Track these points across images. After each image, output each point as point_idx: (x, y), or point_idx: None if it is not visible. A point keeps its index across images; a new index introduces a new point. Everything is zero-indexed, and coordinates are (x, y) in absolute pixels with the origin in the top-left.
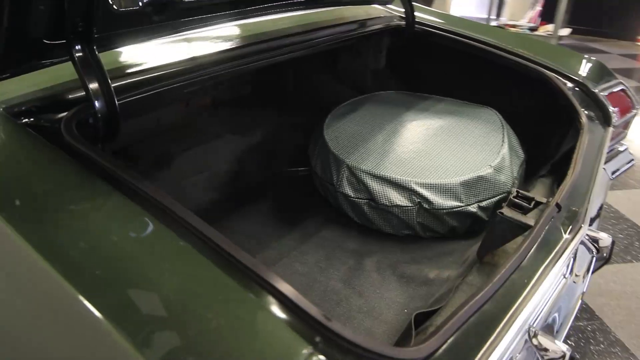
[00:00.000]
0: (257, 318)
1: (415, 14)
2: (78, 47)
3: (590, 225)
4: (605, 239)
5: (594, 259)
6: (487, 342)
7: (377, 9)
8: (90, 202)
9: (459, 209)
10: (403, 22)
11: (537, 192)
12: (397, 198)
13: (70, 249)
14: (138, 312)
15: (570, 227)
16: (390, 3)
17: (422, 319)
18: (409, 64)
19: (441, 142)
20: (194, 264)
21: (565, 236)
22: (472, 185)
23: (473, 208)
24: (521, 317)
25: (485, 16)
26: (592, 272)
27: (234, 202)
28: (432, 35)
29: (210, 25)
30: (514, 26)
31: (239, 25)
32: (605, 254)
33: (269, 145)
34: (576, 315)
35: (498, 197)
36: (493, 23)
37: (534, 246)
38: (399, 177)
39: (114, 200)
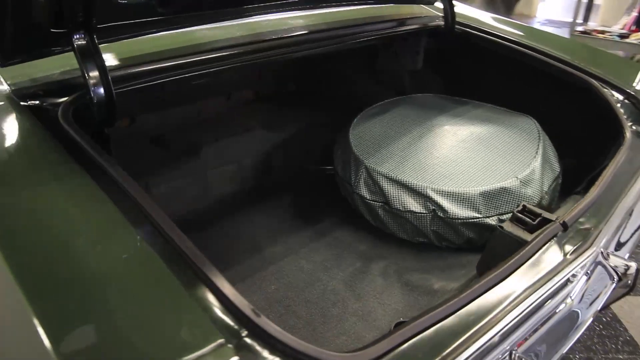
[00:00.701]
0: (183, 305)
1: (460, 12)
2: (78, 36)
3: (618, 249)
4: (629, 265)
5: (614, 286)
6: (437, 357)
7: (419, 8)
8: (54, 179)
9: (476, 220)
10: (442, 23)
11: (565, 209)
12: (411, 203)
13: (7, 215)
14: (53, 286)
15: (574, 248)
16: (432, 3)
17: None
18: (448, 66)
19: (469, 149)
20: (131, 247)
21: (565, 257)
22: (494, 197)
23: (492, 221)
24: (486, 336)
25: (571, 20)
26: (613, 301)
27: (256, 194)
28: (473, 37)
29: (218, 21)
30: (602, 32)
31: (276, 20)
32: (629, 282)
33: (299, 142)
34: (616, 347)
35: None
36: (579, 28)
37: (524, 264)
38: (415, 182)
39: (77, 182)
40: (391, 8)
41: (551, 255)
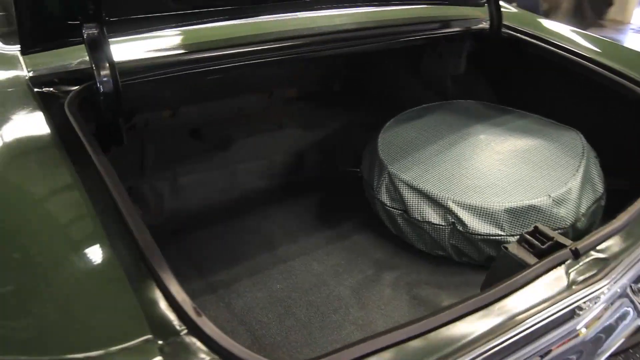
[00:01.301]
0: (124, 297)
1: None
2: (88, 28)
3: None
4: None
5: (636, 323)
6: None
7: (470, 10)
8: (36, 162)
9: (498, 237)
10: (488, 26)
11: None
12: (430, 214)
13: None
14: None
15: (584, 277)
16: (482, 5)
17: None
18: (495, 72)
19: (502, 162)
20: (87, 234)
21: (571, 287)
22: (521, 215)
23: (513, 239)
24: None
25: None
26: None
27: (282, 192)
28: (520, 42)
29: (235, 18)
30: None
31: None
32: None
33: (333, 142)
34: None
35: None
36: None
37: (519, 289)
38: (436, 192)
39: (56, 168)
40: (440, 9)
41: (555, 283)
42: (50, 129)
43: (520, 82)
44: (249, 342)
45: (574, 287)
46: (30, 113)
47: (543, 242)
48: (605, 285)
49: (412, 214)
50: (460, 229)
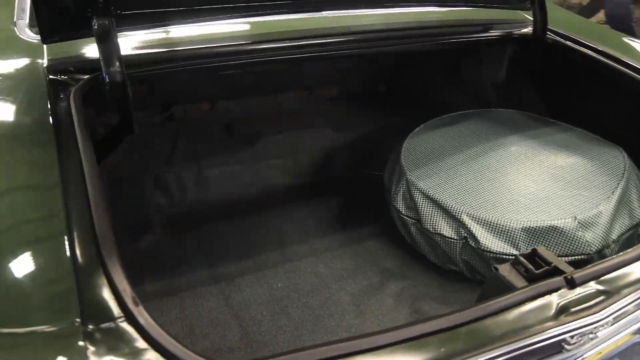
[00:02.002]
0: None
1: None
2: (97, 21)
3: None
4: None
5: None
6: None
7: (515, 14)
8: (22, 142)
9: (511, 257)
10: (531, 30)
11: None
12: (442, 226)
13: None
14: None
15: (575, 309)
16: (528, 9)
17: None
18: (540, 81)
19: (531, 177)
20: (45, 212)
21: (558, 318)
22: (540, 235)
23: None
24: None
25: None
26: None
27: (304, 191)
28: (567, 49)
29: (251, 15)
30: None
31: (357, 16)
32: None
33: (364, 145)
34: None
35: (575, 257)
36: None
37: (496, 315)
38: (451, 203)
39: (41, 147)
40: (482, 12)
41: (540, 311)
42: (51, 114)
43: (567, 92)
44: (238, 337)
45: (562, 317)
46: (38, 98)
47: (539, 266)
48: (601, 321)
49: (424, 224)
50: (473, 244)
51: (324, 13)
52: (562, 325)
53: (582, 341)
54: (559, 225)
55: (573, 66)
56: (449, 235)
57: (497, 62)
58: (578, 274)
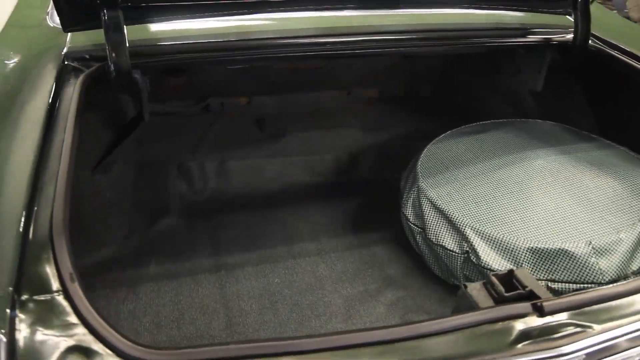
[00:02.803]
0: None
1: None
2: (106, 12)
3: None
4: None
5: None
6: None
7: (555, 18)
8: (13, 120)
9: None
10: (571, 37)
11: None
12: (445, 238)
13: None
14: None
15: (539, 339)
16: (568, 14)
17: None
18: (581, 92)
19: (550, 195)
20: (13, 184)
21: (513, 346)
22: (547, 258)
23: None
24: None
25: None
26: None
27: (324, 189)
28: (611, 59)
29: (267, 12)
30: None
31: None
32: None
33: (392, 149)
34: None
35: (585, 286)
36: None
37: (445, 333)
38: (457, 215)
39: (29, 128)
40: (523, 16)
41: (495, 337)
42: (53, 95)
43: (614, 106)
44: (223, 326)
45: (519, 346)
46: (48, 80)
47: (512, 288)
48: (568, 356)
49: (428, 234)
50: (474, 259)
51: (362, 12)
52: (517, 355)
53: None
54: (569, 249)
55: (620, 77)
56: (451, 248)
57: (536, 69)
58: (550, 302)
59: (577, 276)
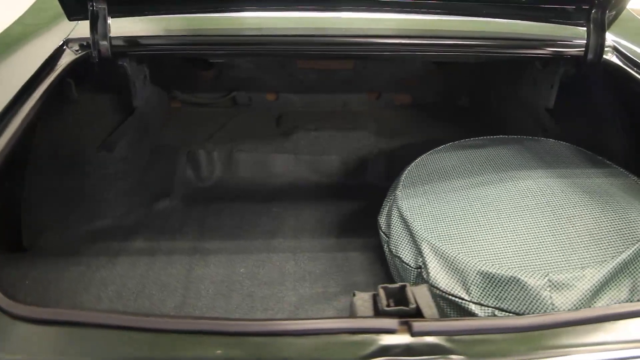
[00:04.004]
0: None
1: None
2: (92, 3)
3: None
4: None
5: None
6: None
7: (574, 30)
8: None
9: (458, 300)
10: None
11: None
12: (404, 250)
13: None
14: None
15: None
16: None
17: None
18: (599, 111)
19: (526, 220)
20: None
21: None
22: (498, 284)
23: (479, 310)
24: None
25: None
26: None
27: (327, 190)
28: (627, 77)
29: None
30: None
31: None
32: None
33: (403, 156)
34: None
35: None
36: None
37: (307, 335)
38: (418, 228)
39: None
40: (536, 27)
41: (348, 348)
42: (34, 75)
43: (622, 125)
44: (175, 305)
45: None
46: (42, 57)
47: (403, 304)
48: None
49: (390, 244)
50: (425, 276)
51: (389, 15)
52: None
53: None
54: (521, 278)
55: (635, 97)
56: (407, 261)
57: (549, 84)
58: (422, 323)
59: (527, 308)
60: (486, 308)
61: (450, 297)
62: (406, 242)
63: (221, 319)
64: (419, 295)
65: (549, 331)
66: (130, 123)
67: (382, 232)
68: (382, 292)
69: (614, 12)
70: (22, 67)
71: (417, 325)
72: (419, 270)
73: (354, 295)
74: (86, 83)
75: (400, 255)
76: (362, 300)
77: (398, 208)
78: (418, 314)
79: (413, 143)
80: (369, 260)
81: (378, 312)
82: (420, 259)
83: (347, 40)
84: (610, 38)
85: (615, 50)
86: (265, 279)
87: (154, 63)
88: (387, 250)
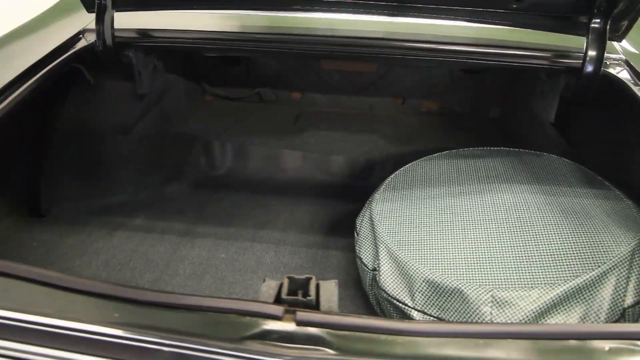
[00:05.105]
0: None
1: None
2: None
3: None
4: None
5: None
6: None
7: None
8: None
9: (401, 305)
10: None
11: None
12: (365, 252)
13: None
14: None
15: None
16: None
17: None
18: (602, 127)
19: (491, 233)
20: None
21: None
22: (442, 294)
23: (421, 318)
24: None
25: None
26: None
27: (331, 189)
28: (628, 94)
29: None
30: None
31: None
32: None
33: (410, 161)
34: None
35: None
36: None
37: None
38: (380, 231)
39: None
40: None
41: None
42: (52, 53)
43: (623, 142)
44: (151, 280)
45: (247, 342)
46: (57, 42)
47: (301, 293)
48: None
49: (356, 245)
50: (377, 280)
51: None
52: (240, 350)
53: None
54: (464, 291)
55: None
56: (365, 263)
57: (552, 96)
58: (308, 314)
59: (466, 321)
60: (428, 317)
61: (395, 301)
62: (368, 244)
63: (123, 285)
64: (324, 289)
65: (434, 339)
66: (145, 109)
67: (355, 232)
68: (286, 282)
69: (625, 22)
70: (40, 49)
71: (302, 315)
72: (374, 272)
73: (264, 281)
74: (102, 70)
75: (361, 257)
76: (268, 287)
77: (370, 210)
78: (314, 306)
79: (425, 150)
80: (348, 261)
81: (277, 300)
82: (377, 262)
83: (367, 42)
84: (626, 49)
85: (627, 64)
86: (240, 266)
87: (169, 55)
88: (356, 253)
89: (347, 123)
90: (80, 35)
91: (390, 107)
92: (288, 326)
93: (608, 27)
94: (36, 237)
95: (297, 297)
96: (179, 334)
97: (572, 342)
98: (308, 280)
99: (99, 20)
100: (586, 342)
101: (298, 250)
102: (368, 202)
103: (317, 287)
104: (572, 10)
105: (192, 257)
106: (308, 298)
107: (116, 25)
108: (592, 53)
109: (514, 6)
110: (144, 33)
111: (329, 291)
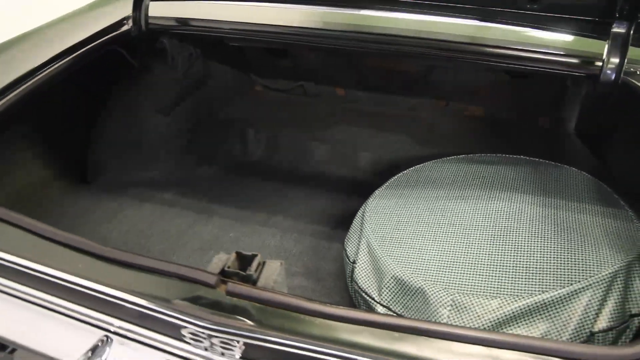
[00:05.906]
0: None
1: None
2: None
3: None
4: None
5: None
6: None
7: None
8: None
9: (368, 298)
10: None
11: None
12: (350, 245)
13: None
14: None
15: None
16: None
17: None
18: (621, 140)
19: (472, 239)
20: None
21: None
22: (406, 293)
23: (383, 312)
24: None
25: None
26: None
27: (353, 184)
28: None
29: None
30: None
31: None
32: None
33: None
34: None
35: None
36: None
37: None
38: (368, 227)
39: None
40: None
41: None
42: (94, 36)
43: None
44: (163, 248)
45: (175, 301)
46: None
47: (244, 268)
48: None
49: (345, 238)
50: (354, 271)
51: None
52: (172, 310)
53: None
54: (426, 292)
55: None
56: (349, 255)
57: (574, 104)
58: (239, 286)
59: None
60: (392, 313)
61: (364, 295)
62: (355, 238)
63: (91, 242)
64: (268, 268)
65: (350, 326)
66: (183, 93)
67: (350, 234)
68: (233, 256)
69: None
70: (86, 31)
71: (233, 286)
72: (353, 265)
73: (218, 254)
74: (144, 54)
75: (346, 249)
76: (219, 259)
77: (363, 212)
78: (254, 281)
79: (452, 154)
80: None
81: (222, 272)
82: (357, 255)
83: (408, 40)
84: None
85: None
86: (244, 246)
87: (210, 44)
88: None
89: (382, 122)
90: (124, 21)
91: (433, 109)
92: (218, 295)
93: (632, 32)
94: (77, 201)
95: (237, 271)
96: (120, 288)
97: (479, 348)
98: (253, 257)
99: (136, 7)
100: (493, 349)
101: (303, 239)
102: (362, 207)
103: (262, 265)
104: (593, 13)
105: (204, 233)
106: (248, 273)
107: (159, 14)
108: (612, 59)
109: (534, 6)
110: (176, 21)
111: (273, 270)
